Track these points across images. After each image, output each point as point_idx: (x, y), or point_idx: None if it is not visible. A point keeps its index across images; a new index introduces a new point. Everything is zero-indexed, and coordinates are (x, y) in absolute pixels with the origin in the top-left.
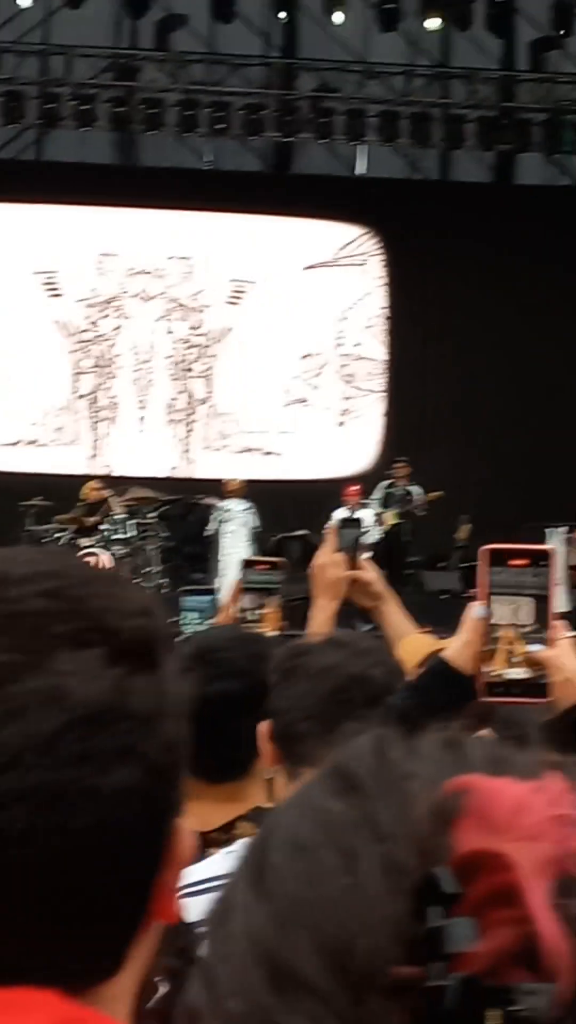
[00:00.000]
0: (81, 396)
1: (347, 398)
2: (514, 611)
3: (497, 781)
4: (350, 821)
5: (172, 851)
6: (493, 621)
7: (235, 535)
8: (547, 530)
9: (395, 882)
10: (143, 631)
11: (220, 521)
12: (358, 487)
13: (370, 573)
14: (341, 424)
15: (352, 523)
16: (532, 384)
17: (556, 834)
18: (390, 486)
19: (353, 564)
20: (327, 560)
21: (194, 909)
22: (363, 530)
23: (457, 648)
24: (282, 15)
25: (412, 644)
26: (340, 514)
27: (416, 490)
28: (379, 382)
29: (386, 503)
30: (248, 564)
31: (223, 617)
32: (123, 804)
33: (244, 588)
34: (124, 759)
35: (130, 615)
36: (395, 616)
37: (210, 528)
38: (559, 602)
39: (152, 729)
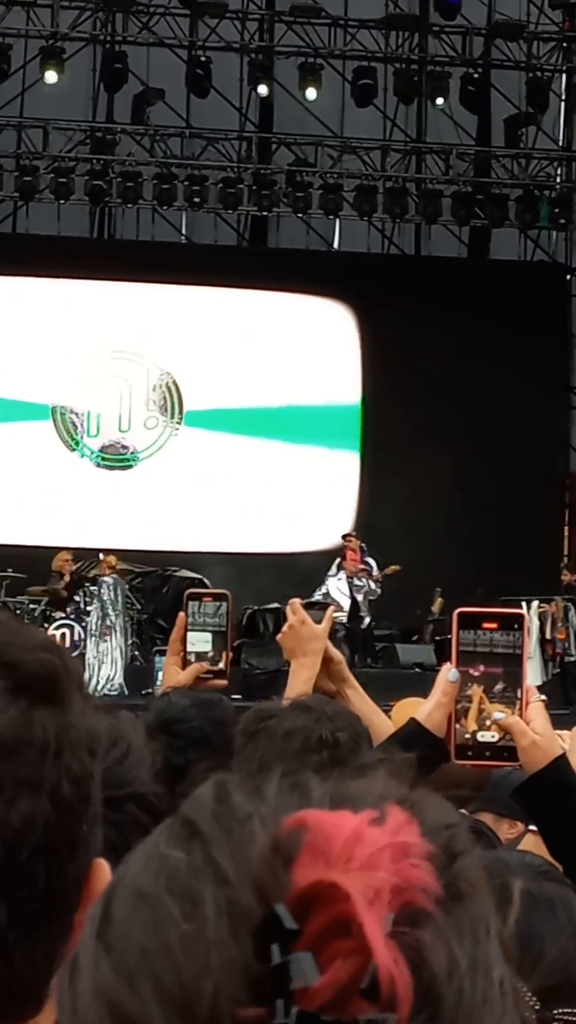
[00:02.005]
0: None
1: (322, 471)
2: (485, 673)
3: (334, 815)
4: (191, 867)
5: (89, 889)
6: (464, 682)
7: (115, 611)
8: (523, 603)
9: (237, 924)
10: (45, 665)
11: (101, 597)
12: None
13: (338, 654)
14: (317, 498)
15: (319, 606)
16: (506, 460)
17: (393, 864)
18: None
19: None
20: (302, 617)
21: None
22: (333, 612)
23: (428, 710)
24: (262, 90)
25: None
26: (332, 580)
27: (372, 562)
28: (353, 456)
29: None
30: (193, 597)
31: (172, 652)
32: (27, 835)
33: (189, 627)
34: (27, 790)
35: (32, 649)
36: (358, 698)
37: (92, 604)
38: (530, 672)
39: (56, 761)
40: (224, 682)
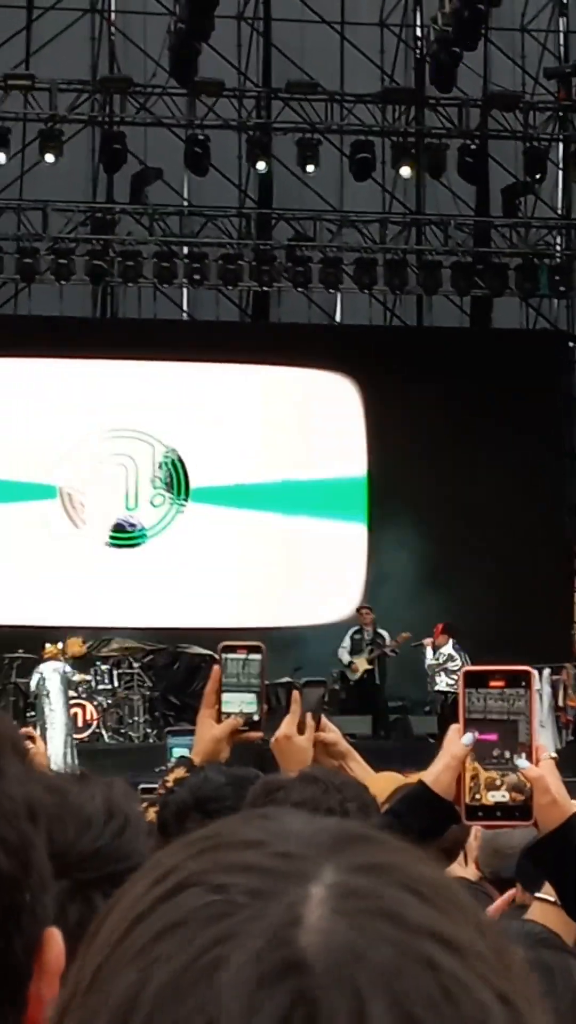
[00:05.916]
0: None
1: (329, 544)
2: (479, 741)
3: None
4: None
5: (42, 960)
6: (470, 744)
7: (59, 696)
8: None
9: None
10: None
11: (43, 682)
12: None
13: (332, 734)
14: (325, 571)
15: (316, 684)
16: (514, 528)
17: None
18: (356, 632)
19: (317, 725)
20: (290, 732)
21: None
22: (326, 689)
23: (436, 773)
24: (261, 166)
25: (379, 782)
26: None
27: (384, 634)
28: (361, 529)
29: (354, 650)
30: (227, 649)
31: (207, 705)
32: None
33: (224, 681)
34: None
35: None
36: (360, 771)
37: (33, 689)
38: (544, 740)
39: None
40: (260, 734)
